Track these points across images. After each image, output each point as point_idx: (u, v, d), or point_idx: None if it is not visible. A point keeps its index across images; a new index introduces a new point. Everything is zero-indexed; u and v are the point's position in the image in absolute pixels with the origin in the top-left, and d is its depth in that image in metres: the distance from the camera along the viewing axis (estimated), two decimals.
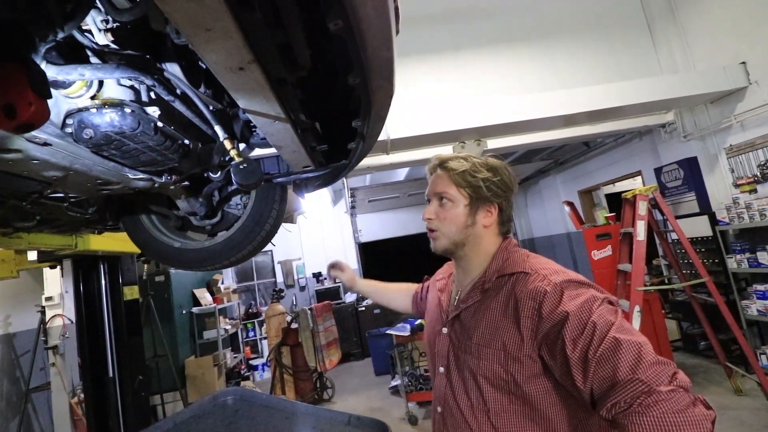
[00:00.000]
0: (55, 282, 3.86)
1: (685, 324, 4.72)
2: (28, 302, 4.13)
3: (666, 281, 4.83)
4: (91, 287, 2.72)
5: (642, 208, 3.48)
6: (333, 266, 1.65)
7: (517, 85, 4.09)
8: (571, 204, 5.77)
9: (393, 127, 3.35)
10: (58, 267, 2.94)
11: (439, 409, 0.97)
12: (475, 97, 3.91)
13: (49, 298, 3.86)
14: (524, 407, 0.83)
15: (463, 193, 0.97)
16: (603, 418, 0.72)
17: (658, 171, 4.81)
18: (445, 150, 3.99)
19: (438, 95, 3.95)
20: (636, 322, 3.18)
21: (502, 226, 1.01)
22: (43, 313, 3.85)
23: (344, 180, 5.56)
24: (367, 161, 3.88)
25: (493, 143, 4.09)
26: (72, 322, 3.32)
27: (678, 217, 4.17)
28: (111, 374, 2.60)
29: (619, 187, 6.98)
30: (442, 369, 0.98)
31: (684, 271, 3.96)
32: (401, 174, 6.25)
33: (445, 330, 1.00)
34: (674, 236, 4.01)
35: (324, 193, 6.36)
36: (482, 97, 3.92)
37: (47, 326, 3.78)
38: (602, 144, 5.75)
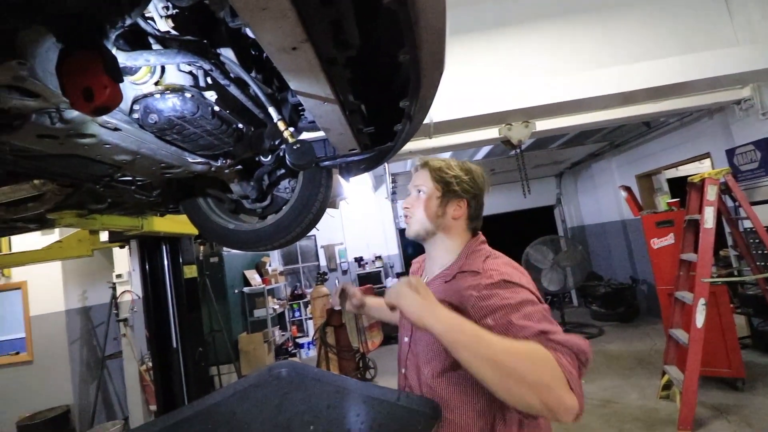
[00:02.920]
0: (124, 261, 4.23)
1: (756, 320, 4.31)
2: (101, 279, 4.56)
3: (736, 273, 4.42)
4: (155, 266, 2.94)
5: (711, 193, 3.18)
6: (342, 293, 1.52)
7: (568, 62, 3.82)
8: (628, 189, 5.39)
9: (436, 110, 3.28)
10: (126, 247, 3.21)
11: (403, 371, 1.12)
12: (522, 77, 3.71)
13: (119, 276, 4.25)
14: (451, 375, 0.97)
15: (437, 186, 1.12)
16: None
17: (730, 153, 4.36)
18: (491, 132, 3.86)
19: (483, 75, 3.79)
20: (700, 315, 2.95)
21: (470, 221, 1.14)
22: (114, 288, 4.24)
23: (386, 165, 5.56)
24: (410, 146, 3.84)
25: (543, 125, 3.89)
26: (139, 298, 3.63)
27: (753, 204, 3.77)
28: (174, 345, 2.83)
29: (682, 171, 6.43)
30: (406, 339, 1.13)
31: (758, 263, 3.60)
32: None
33: None
34: (747, 224, 3.64)
35: (365, 179, 6.40)
36: (530, 76, 3.72)
37: (118, 301, 4.17)
38: (665, 124, 5.28)
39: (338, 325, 4.84)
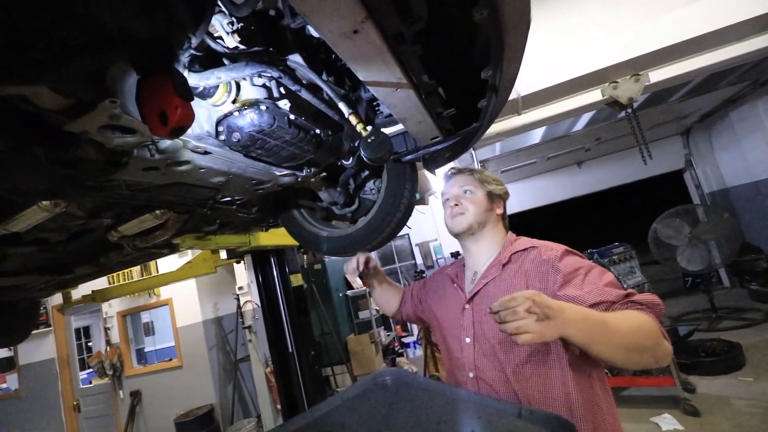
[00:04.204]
0: (242, 274, 4.72)
1: None
2: (227, 292, 5.18)
3: None
4: (267, 277, 3.21)
5: None
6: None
7: None
8: None
9: (522, 81, 2.96)
10: (242, 261, 3.56)
11: (471, 374, 1.12)
12: (626, 20, 3.15)
13: (240, 288, 4.76)
14: (540, 354, 1.02)
15: (482, 187, 1.27)
16: None
17: None
18: (592, 95, 3.37)
19: (574, 28, 3.30)
20: None
21: (505, 221, 1.32)
22: (238, 299, 4.77)
23: (473, 152, 5.27)
24: (496, 127, 3.54)
25: (658, 75, 3.26)
26: (259, 306, 4.01)
27: None
28: (290, 349, 3.05)
29: None
30: (468, 340, 1.15)
31: None
32: (536, 136, 5.63)
33: (467, 306, 1.20)
34: None
35: None
36: (636, 17, 3.14)
37: (242, 310, 4.67)
38: None
39: None
